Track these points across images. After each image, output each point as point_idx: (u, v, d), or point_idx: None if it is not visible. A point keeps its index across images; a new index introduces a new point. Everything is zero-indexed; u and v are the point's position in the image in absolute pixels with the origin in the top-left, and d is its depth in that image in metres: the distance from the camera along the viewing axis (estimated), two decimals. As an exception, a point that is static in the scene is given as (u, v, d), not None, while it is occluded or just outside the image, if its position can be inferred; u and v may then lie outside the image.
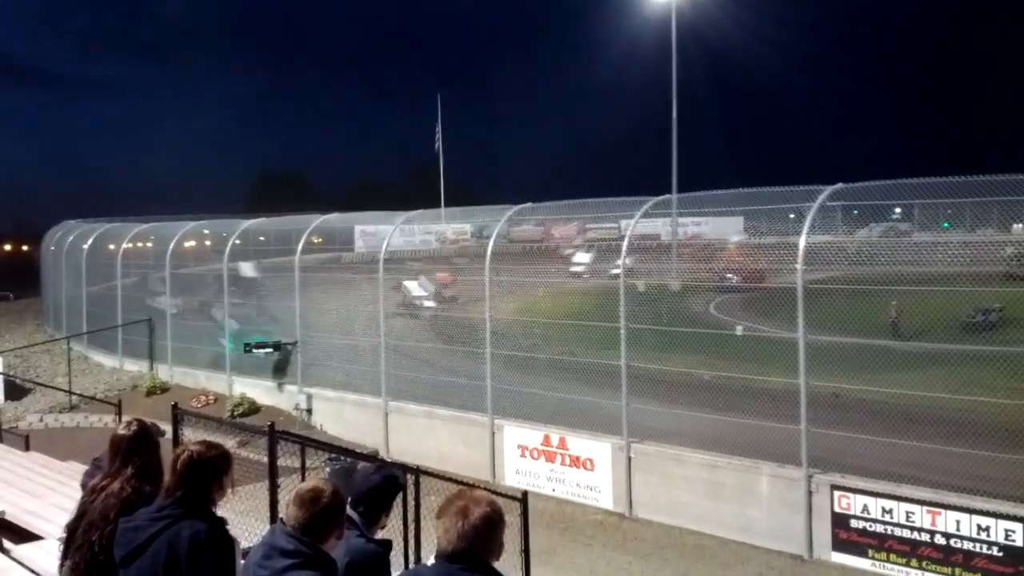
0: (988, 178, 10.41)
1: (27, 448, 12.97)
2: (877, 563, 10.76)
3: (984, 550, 10.00)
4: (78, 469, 8.04)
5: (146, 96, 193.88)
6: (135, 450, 4.15)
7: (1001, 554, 9.86)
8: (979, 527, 10.03)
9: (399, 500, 5.11)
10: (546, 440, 14.27)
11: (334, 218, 22.85)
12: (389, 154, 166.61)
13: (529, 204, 17.92)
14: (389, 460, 14.34)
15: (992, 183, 10.45)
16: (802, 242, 11.70)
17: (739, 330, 15.22)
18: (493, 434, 15.08)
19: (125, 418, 4.73)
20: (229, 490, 3.79)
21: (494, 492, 4.01)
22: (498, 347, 15.73)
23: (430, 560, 3.01)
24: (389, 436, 16.92)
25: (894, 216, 14.97)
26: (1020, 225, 11.07)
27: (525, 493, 9.14)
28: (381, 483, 4.21)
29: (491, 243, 16.08)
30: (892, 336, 12.93)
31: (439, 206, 42.03)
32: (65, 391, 21.81)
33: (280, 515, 3.33)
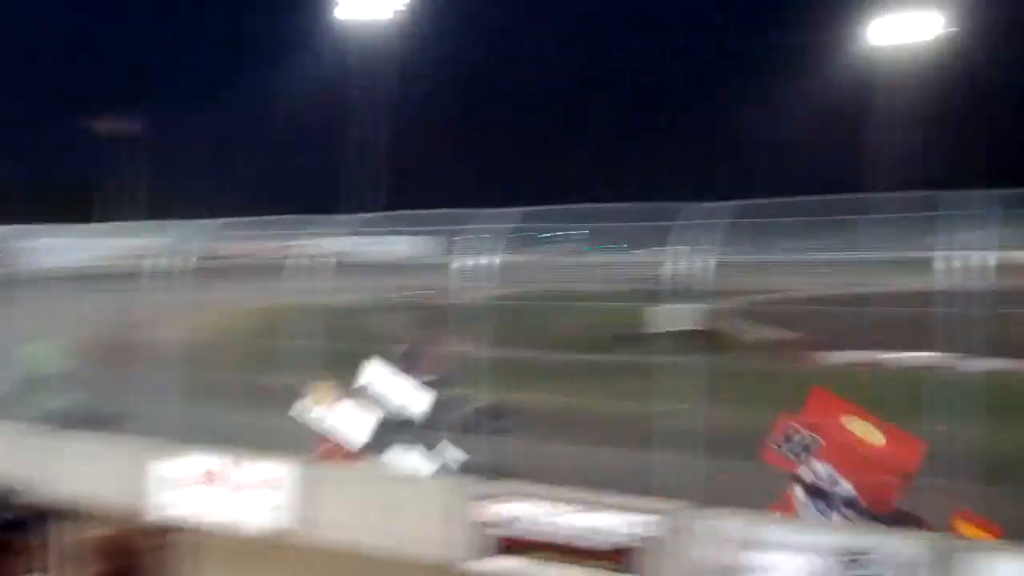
0: (652, 205, 11.57)
1: None
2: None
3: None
4: None
5: None
6: None
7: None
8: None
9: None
10: (213, 466, 13.20)
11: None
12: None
13: (224, 220, 16.88)
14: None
15: (644, 209, 11.59)
16: (481, 261, 12.13)
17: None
18: (147, 464, 13.63)
19: None
20: None
21: (151, 527, 3.77)
22: (172, 368, 14.44)
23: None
24: (24, 471, 14.66)
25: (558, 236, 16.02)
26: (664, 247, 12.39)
27: (179, 526, 8.31)
28: None
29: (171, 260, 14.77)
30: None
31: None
32: None
33: None
